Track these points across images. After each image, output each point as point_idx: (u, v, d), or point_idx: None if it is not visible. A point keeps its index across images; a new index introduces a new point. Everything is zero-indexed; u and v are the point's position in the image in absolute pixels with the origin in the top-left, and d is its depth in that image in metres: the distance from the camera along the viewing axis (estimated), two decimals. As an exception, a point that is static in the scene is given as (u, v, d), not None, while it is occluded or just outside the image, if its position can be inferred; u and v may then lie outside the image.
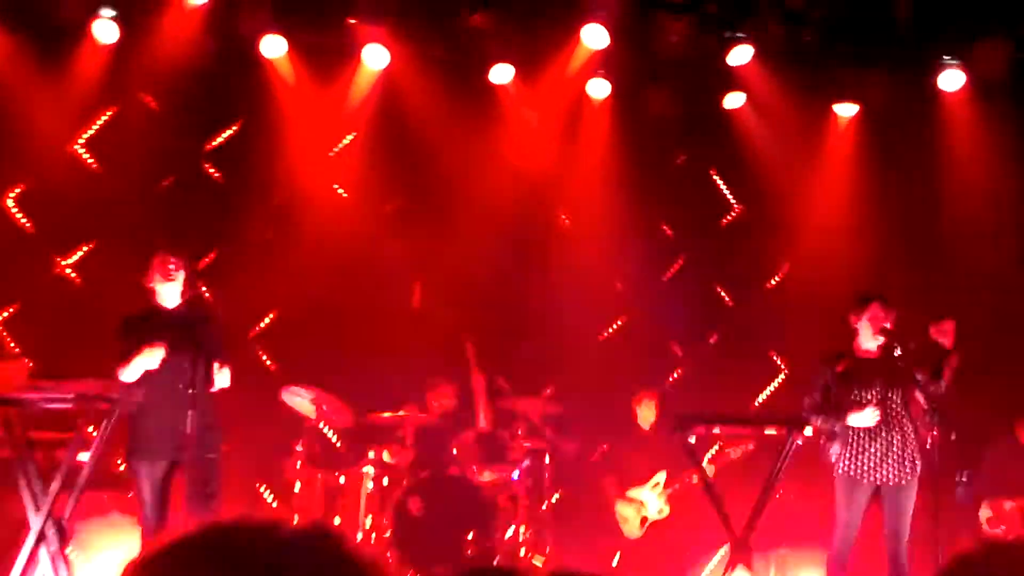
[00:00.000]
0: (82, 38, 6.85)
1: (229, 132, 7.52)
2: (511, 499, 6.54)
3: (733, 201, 8.40)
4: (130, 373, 4.99)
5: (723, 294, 8.31)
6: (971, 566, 1.69)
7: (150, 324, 5.07)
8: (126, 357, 4.97)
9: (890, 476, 5.37)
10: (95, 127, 7.19)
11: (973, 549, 1.74)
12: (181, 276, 5.12)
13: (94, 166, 7.18)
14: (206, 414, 5.02)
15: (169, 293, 5.13)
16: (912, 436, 5.44)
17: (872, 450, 5.39)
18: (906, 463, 5.38)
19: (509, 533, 6.46)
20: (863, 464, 5.39)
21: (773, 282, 8.34)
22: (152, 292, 5.16)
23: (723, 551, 6.23)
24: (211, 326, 5.13)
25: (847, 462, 5.42)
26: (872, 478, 5.37)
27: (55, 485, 4.63)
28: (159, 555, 0.95)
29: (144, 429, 5.03)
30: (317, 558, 0.96)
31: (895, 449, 5.37)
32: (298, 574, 0.93)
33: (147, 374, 5.00)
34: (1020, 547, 1.83)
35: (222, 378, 5.07)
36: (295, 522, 1.06)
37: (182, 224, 6.96)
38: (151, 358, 4.95)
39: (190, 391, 4.78)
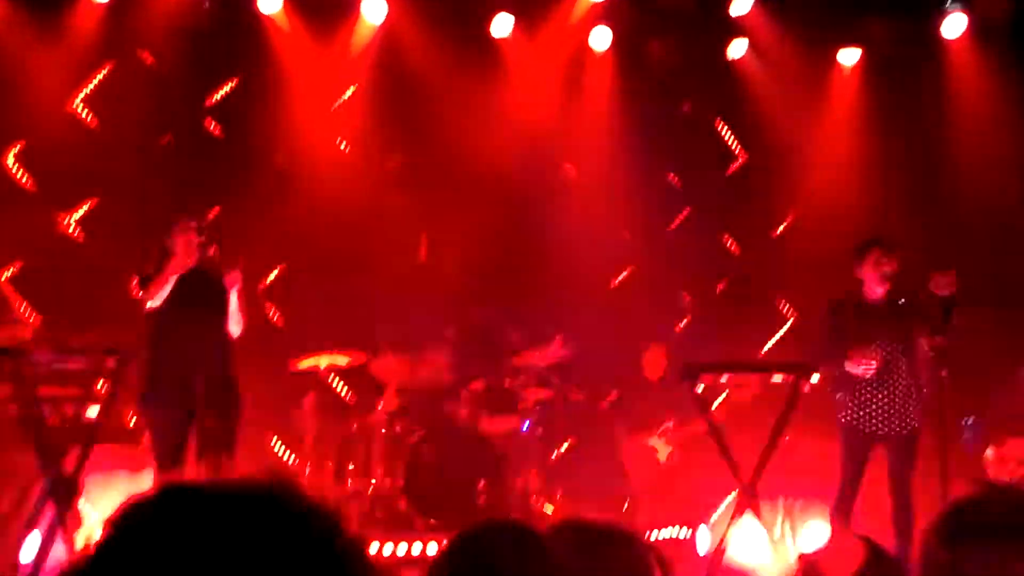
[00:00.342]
0: (77, -4, 6.74)
1: (228, 88, 7.41)
2: (521, 448, 6.51)
3: (738, 150, 8.32)
4: (158, 294, 5.04)
5: (729, 242, 8.26)
6: (969, 511, 1.69)
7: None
8: (151, 280, 5.02)
9: (894, 426, 5.33)
10: (93, 84, 7.07)
11: (971, 494, 1.72)
12: (198, 242, 5.14)
13: (93, 123, 7.07)
14: (225, 369, 5.04)
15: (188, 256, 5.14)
16: (916, 384, 5.40)
17: (876, 399, 5.35)
18: (910, 412, 5.33)
19: (519, 482, 6.44)
20: (867, 414, 5.35)
21: (779, 230, 8.29)
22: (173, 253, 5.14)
23: (731, 497, 6.22)
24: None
25: (850, 412, 5.38)
26: (875, 428, 5.33)
27: (64, 440, 4.59)
28: (117, 520, 0.94)
29: (159, 379, 5.03)
30: (267, 513, 0.94)
31: (898, 398, 5.33)
32: (248, 532, 0.91)
33: (165, 325, 4.95)
34: (1016, 491, 1.80)
35: (236, 326, 5.14)
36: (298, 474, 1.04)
37: (183, 180, 6.87)
38: (173, 276, 5.00)
39: (196, 345, 4.83)
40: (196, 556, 0.88)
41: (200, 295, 5.10)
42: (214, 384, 4.99)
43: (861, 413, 5.35)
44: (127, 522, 0.93)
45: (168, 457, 4.95)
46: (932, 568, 1.63)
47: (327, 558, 0.92)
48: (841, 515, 5.40)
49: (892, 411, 5.32)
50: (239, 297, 5.21)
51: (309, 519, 0.94)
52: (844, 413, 5.40)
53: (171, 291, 5.08)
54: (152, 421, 5.06)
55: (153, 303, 5.08)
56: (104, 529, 0.93)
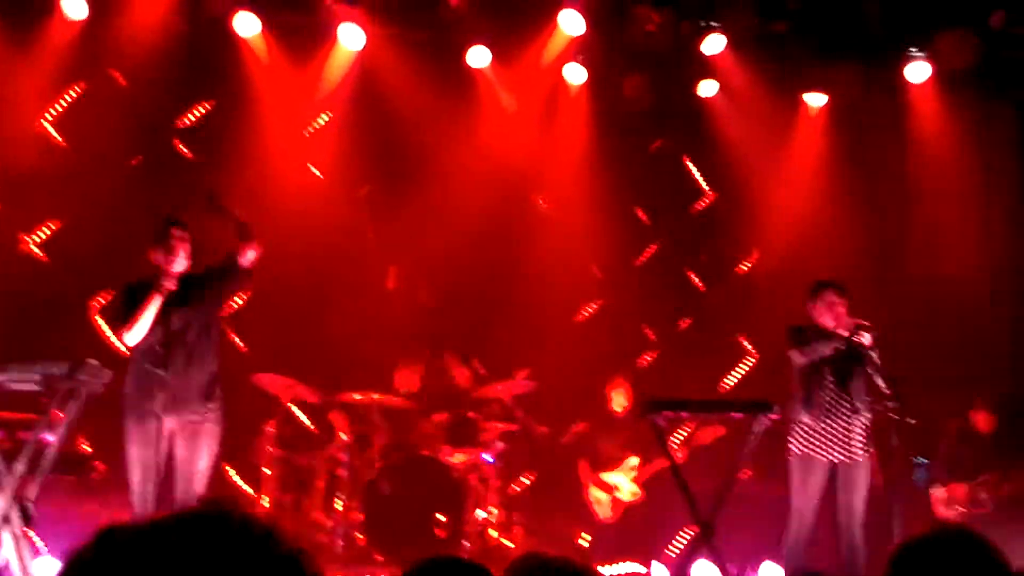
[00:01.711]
0: (51, 14, 6.65)
1: (201, 110, 7.36)
2: (482, 481, 6.45)
3: (706, 187, 8.37)
4: (137, 330, 4.82)
5: (695, 279, 8.28)
6: (919, 550, 1.70)
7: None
8: (130, 316, 4.81)
9: (843, 455, 5.38)
10: (63, 103, 6.99)
11: (922, 534, 1.75)
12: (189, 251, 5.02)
13: (62, 143, 6.99)
14: (208, 380, 4.91)
15: (180, 265, 5.00)
16: (866, 418, 5.49)
17: (827, 429, 5.41)
18: (860, 443, 5.40)
19: (480, 515, 6.39)
20: (817, 443, 5.41)
21: (744, 268, 8.34)
22: (158, 266, 4.95)
23: (689, 534, 6.26)
24: (211, 269, 5.09)
25: (801, 442, 5.44)
26: (826, 457, 5.38)
27: (19, 466, 4.50)
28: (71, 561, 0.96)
29: (140, 390, 4.86)
30: (210, 537, 0.96)
31: (851, 429, 5.39)
32: (191, 557, 0.93)
33: (148, 336, 4.83)
34: (966, 532, 1.83)
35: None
36: (254, 505, 1.05)
37: (152, 203, 6.80)
38: (155, 306, 4.79)
39: (179, 352, 4.70)
40: None
41: (183, 296, 4.89)
42: (199, 392, 4.87)
43: (811, 441, 5.42)
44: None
45: (144, 471, 4.77)
46: None
47: (268, 567, 0.94)
48: (794, 554, 5.41)
49: (842, 440, 5.39)
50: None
51: (247, 534, 0.96)
52: (794, 444, 5.47)
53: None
54: (131, 433, 4.89)
55: (135, 336, 4.84)
56: None
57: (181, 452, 4.86)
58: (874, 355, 5.36)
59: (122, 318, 4.90)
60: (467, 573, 1.65)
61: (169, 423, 4.77)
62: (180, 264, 4.92)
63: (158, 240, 4.95)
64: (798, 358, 5.49)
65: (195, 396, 4.89)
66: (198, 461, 4.87)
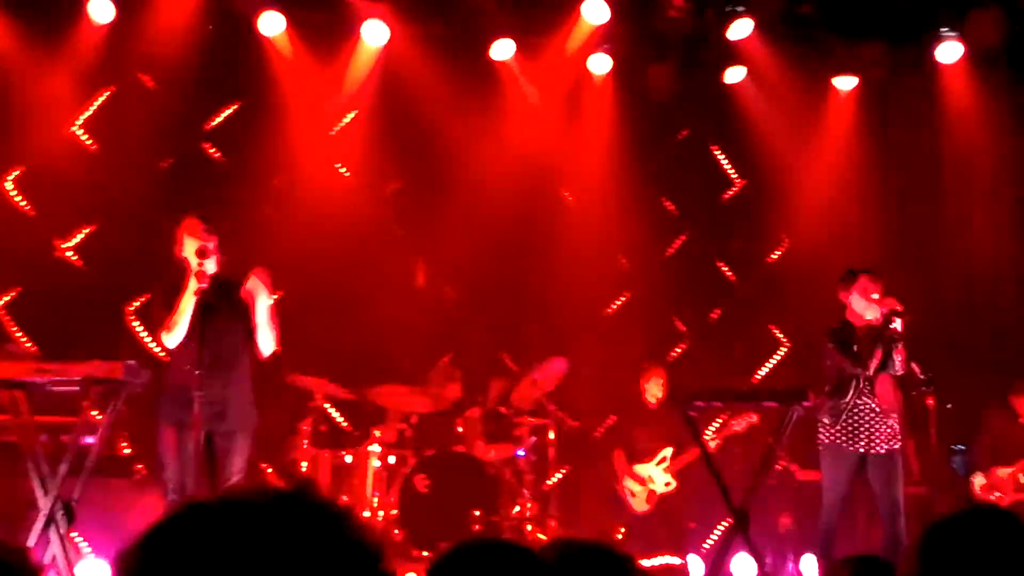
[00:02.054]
0: (78, 18, 6.70)
1: (229, 111, 7.41)
2: (516, 475, 6.49)
3: (734, 176, 8.31)
4: (176, 332, 4.79)
5: (725, 269, 8.24)
6: (949, 528, 1.71)
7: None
8: (167, 318, 4.80)
9: (876, 444, 5.36)
10: (93, 108, 7.06)
11: (953, 512, 1.75)
12: (214, 246, 4.99)
13: (93, 147, 7.06)
14: (242, 388, 4.95)
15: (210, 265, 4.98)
16: (900, 405, 5.47)
17: (858, 418, 5.38)
18: (887, 435, 5.36)
19: (515, 510, 6.41)
20: (843, 435, 5.38)
21: (774, 256, 8.29)
22: (185, 263, 4.94)
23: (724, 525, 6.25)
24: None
25: (832, 431, 5.42)
26: (857, 447, 5.36)
27: (63, 467, 4.59)
28: (139, 546, 0.96)
29: (176, 396, 4.86)
30: (290, 519, 0.96)
31: (881, 417, 5.36)
32: (274, 538, 0.94)
33: (184, 341, 4.83)
34: (997, 510, 1.83)
35: (266, 342, 4.96)
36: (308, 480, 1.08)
37: (182, 204, 6.85)
38: (190, 305, 4.74)
39: (209, 360, 4.71)
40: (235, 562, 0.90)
41: (215, 305, 4.86)
42: (227, 402, 4.90)
43: (842, 431, 5.39)
44: (153, 544, 0.94)
45: (178, 474, 4.84)
46: None
47: (360, 554, 0.95)
48: (825, 541, 5.36)
49: (874, 429, 5.35)
50: (265, 309, 4.92)
51: (338, 518, 0.97)
52: (825, 433, 5.45)
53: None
54: (164, 440, 4.95)
55: (175, 338, 4.81)
56: (129, 556, 0.95)
57: (215, 457, 4.89)
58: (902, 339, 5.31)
59: (160, 320, 4.91)
60: (514, 550, 1.67)
61: (203, 429, 4.79)
62: (211, 265, 4.91)
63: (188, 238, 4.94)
64: (851, 369, 5.38)
65: (229, 404, 4.90)
66: (231, 466, 4.91)
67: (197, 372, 4.65)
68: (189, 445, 4.76)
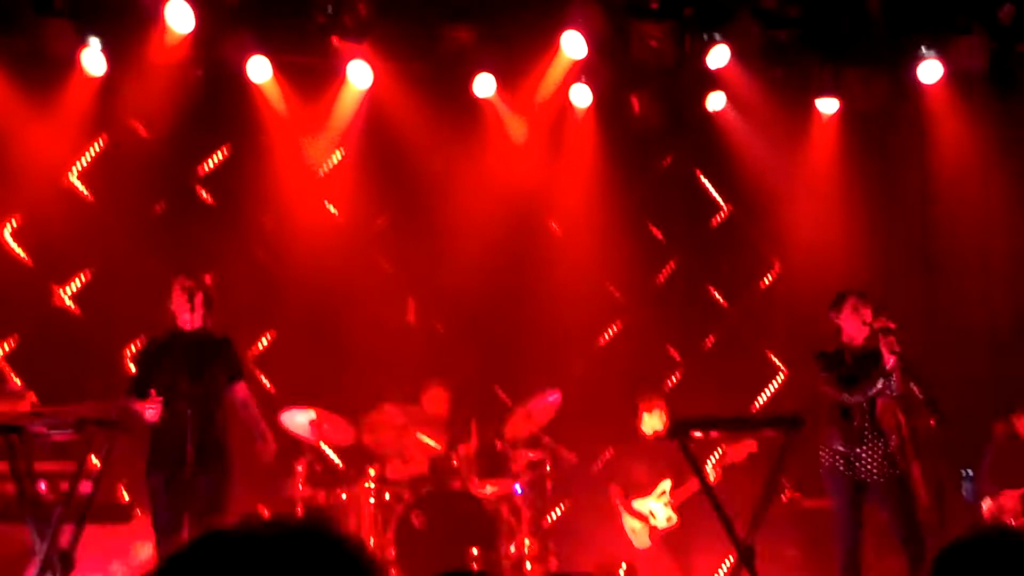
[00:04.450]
0: (72, 71, 7.00)
1: (220, 156, 7.71)
2: (514, 512, 6.61)
3: (721, 202, 8.52)
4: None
5: (717, 295, 8.43)
6: (960, 552, 1.80)
7: (168, 348, 5.35)
8: (134, 392, 5.29)
9: (875, 470, 5.47)
10: (87, 157, 7.38)
11: (966, 536, 1.88)
12: (198, 301, 5.36)
13: (88, 196, 7.37)
14: (215, 435, 5.28)
15: (189, 317, 5.37)
16: (903, 428, 5.55)
17: (859, 444, 5.48)
18: (892, 455, 5.47)
19: (513, 547, 6.54)
20: (849, 458, 5.48)
21: (766, 281, 8.46)
22: (174, 314, 5.38)
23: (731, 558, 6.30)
24: (229, 350, 5.39)
25: (833, 457, 5.53)
26: (856, 473, 5.46)
27: (59, 514, 4.79)
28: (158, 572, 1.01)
29: (159, 446, 5.26)
30: (308, 551, 1.01)
31: (882, 444, 5.47)
32: (290, 568, 0.99)
33: (163, 394, 5.23)
34: (1011, 532, 1.97)
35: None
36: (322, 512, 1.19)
37: (177, 249, 7.14)
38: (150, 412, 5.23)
39: (188, 412, 5.08)
40: None
41: (195, 359, 5.33)
42: (206, 449, 5.23)
43: (843, 456, 5.47)
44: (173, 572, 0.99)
45: (166, 525, 5.18)
46: None
47: None
48: (850, 569, 5.45)
49: (875, 455, 5.45)
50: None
51: (350, 549, 1.03)
52: (825, 459, 5.54)
53: (166, 357, 5.34)
54: (152, 489, 5.29)
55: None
56: None
57: (195, 507, 5.17)
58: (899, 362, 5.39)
59: (131, 384, 5.40)
60: None
61: (182, 479, 5.12)
62: (186, 321, 5.25)
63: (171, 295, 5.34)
64: (847, 399, 5.47)
65: (212, 450, 5.24)
66: (215, 510, 5.19)
67: (174, 428, 5.01)
68: (176, 492, 5.09)
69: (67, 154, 7.29)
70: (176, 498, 5.25)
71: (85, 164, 7.38)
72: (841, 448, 5.50)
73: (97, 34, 6.93)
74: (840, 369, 5.55)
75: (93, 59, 7.00)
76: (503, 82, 7.60)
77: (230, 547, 1.02)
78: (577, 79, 7.69)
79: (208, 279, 6.66)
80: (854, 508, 5.48)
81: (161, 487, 5.28)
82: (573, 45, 7.34)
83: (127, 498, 6.17)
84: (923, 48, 7.62)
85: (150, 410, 5.22)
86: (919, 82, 7.77)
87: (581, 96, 7.83)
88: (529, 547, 6.56)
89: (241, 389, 5.60)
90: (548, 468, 6.84)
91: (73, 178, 7.36)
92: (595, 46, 7.36)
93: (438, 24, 7.32)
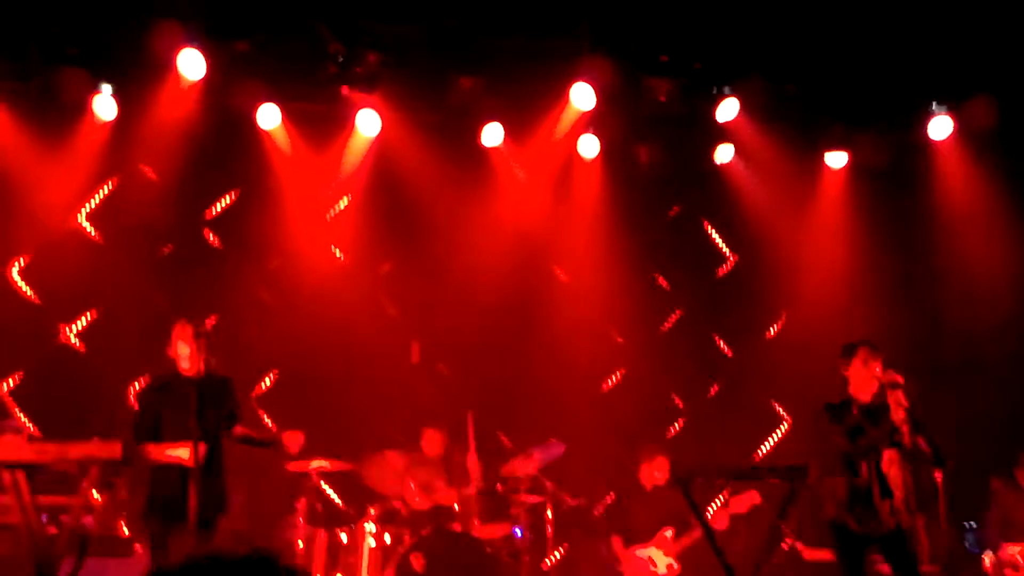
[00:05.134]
0: (83, 115, 7.27)
1: (228, 200, 7.93)
2: (513, 555, 6.70)
3: (727, 252, 8.74)
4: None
5: (722, 344, 8.59)
6: None
7: (168, 391, 5.43)
8: (137, 435, 5.34)
9: (881, 523, 5.47)
10: (97, 199, 7.61)
11: None
12: (200, 344, 5.45)
13: (96, 237, 7.57)
14: (217, 483, 5.34)
15: (189, 360, 5.45)
16: (908, 482, 5.60)
17: (865, 498, 5.49)
18: (899, 511, 5.48)
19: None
20: (854, 511, 5.50)
21: (772, 331, 8.62)
22: (175, 359, 5.49)
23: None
24: (229, 391, 5.49)
25: (838, 509, 5.56)
26: (863, 526, 5.48)
27: (61, 548, 4.85)
28: None
29: (157, 493, 5.32)
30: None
31: (888, 498, 5.48)
32: None
33: (165, 436, 5.33)
34: None
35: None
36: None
37: (183, 290, 7.31)
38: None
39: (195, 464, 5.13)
40: None
41: (197, 401, 5.39)
42: (208, 502, 5.27)
43: (849, 510, 5.52)
44: None
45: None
46: None
47: None
48: None
49: (881, 508, 5.48)
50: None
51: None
52: (831, 513, 5.59)
53: (168, 399, 5.42)
54: (152, 535, 5.32)
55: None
56: None
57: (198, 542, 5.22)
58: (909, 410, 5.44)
59: (131, 427, 5.45)
60: None
61: (182, 529, 5.18)
62: (186, 363, 5.36)
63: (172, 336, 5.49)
64: (855, 451, 5.49)
65: (213, 493, 5.27)
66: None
67: (170, 477, 5.09)
68: (176, 541, 5.13)
69: (77, 196, 7.54)
70: (176, 548, 5.26)
71: (95, 206, 7.59)
72: (846, 500, 5.54)
73: (109, 80, 7.21)
74: (847, 421, 5.60)
75: (104, 105, 7.25)
76: (511, 132, 7.85)
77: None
78: (585, 130, 7.94)
79: (210, 322, 6.82)
80: (857, 561, 5.51)
81: (159, 534, 5.30)
82: (582, 96, 7.60)
83: (127, 533, 6.22)
84: (934, 105, 7.81)
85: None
86: (928, 138, 7.98)
87: (589, 146, 8.08)
88: (528, 592, 6.61)
89: (239, 429, 5.64)
90: (549, 512, 6.91)
91: (82, 219, 7.56)
92: (604, 98, 7.60)
93: (447, 74, 7.55)
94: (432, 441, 7.16)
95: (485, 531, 6.65)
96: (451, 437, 7.12)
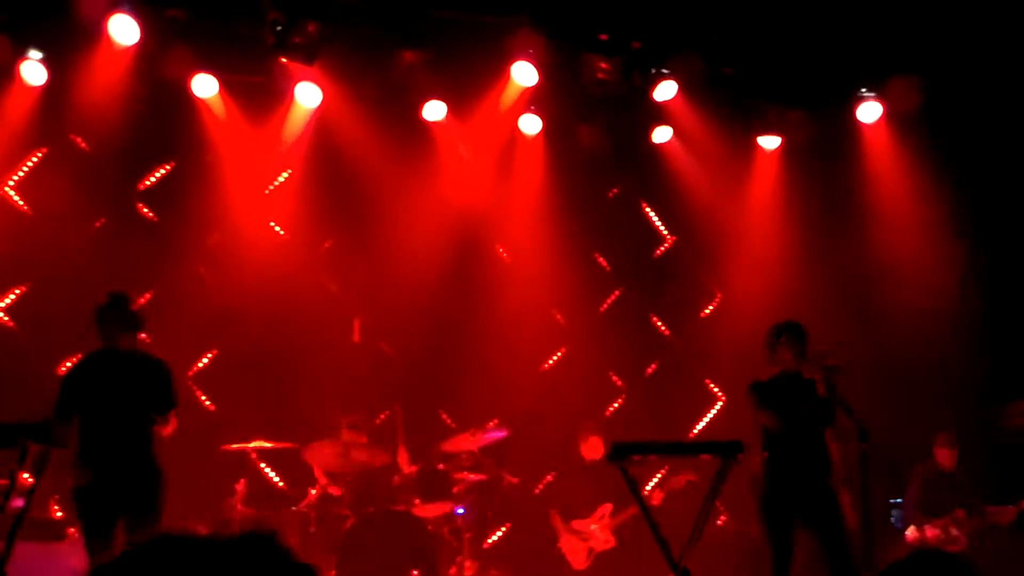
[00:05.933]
0: (10, 80, 7.06)
1: (162, 171, 7.77)
2: (455, 533, 6.78)
3: (665, 232, 8.89)
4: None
5: (659, 324, 8.76)
6: (900, 571, 2.01)
7: (100, 367, 5.33)
8: (60, 415, 5.25)
9: (807, 498, 5.66)
10: (25, 169, 7.38)
11: (902, 556, 2.07)
12: (136, 321, 5.37)
13: (25, 208, 7.36)
14: (147, 458, 5.28)
15: (117, 335, 5.36)
16: (835, 457, 5.79)
17: (791, 472, 5.70)
18: (825, 485, 5.70)
19: (453, 569, 6.69)
20: (781, 486, 5.70)
21: (707, 311, 8.81)
22: (101, 333, 5.39)
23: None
24: (163, 369, 5.41)
25: (764, 484, 5.75)
26: (790, 501, 5.67)
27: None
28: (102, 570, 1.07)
29: (87, 471, 5.24)
30: (252, 560, 1.09)
31: (813, 472, 5.71)
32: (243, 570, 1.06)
33: (92, 413, 5.23)
34: (944, 554, 2.19)
35: (167, 425, 5.41)
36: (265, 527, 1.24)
37: (117, 265, 7.15)
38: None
39: (119, 432, 5.08)
40: None
41: (124, 380, 5.33)
42: (139, 473, 5.23)
43: (775, 487, 5.70)
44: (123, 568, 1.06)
45: (99, 550, 5.17)
46: None
47: None
48: None
49: (807, 485, 5.69)
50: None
51: (295, 559, 1.11)
52: (757, 491, 5.77)
53: (96, 377, 5.32)
54: (83, 514, 5.26)
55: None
56: None
57: (129, 511, 5.18)
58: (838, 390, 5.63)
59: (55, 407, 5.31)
60: None
61: (112, 478, 5.13)
62: (114, 339, 5.30)
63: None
64: (772, 424, 5.69)
65: (141, 471, 5.21)
66: (148, 520, 5.20)
67: (97, 452, 5.05)
68: (107, 491, 5.08)
69: (4, 165, 7.31)
70: (110, 525, 5.21)
71: (22, 176, 7.37)
72: (773, 475, 5.72)
73: (37, 46, 6.96)
74: (774, 398, 5.78)
75: (33, 71, 7.03)
76: (453, 108, 7.85)
77: (182, 549, 1.08)
78: (527, 108, 7.98)
79: (144, 298, 6.72)
80: (785, 535, 5.70)
81: (94, 514, 5.22)
82: (524, 74, 7.64)
83: (60, 514, 6.13)
84: (863, 89, 8.02)
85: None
86: (857, 120, 8.22)
87: (531, 124, 8.14)
88: (469, 568, 6.71)
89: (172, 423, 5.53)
90: (490, 491, 6.99)
91: (10, 190, 7.34)
92: (545, 76, 7.66)
93: (389, 47, 7.49)
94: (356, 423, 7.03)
95: (426, 510, 6.71)
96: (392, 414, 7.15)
